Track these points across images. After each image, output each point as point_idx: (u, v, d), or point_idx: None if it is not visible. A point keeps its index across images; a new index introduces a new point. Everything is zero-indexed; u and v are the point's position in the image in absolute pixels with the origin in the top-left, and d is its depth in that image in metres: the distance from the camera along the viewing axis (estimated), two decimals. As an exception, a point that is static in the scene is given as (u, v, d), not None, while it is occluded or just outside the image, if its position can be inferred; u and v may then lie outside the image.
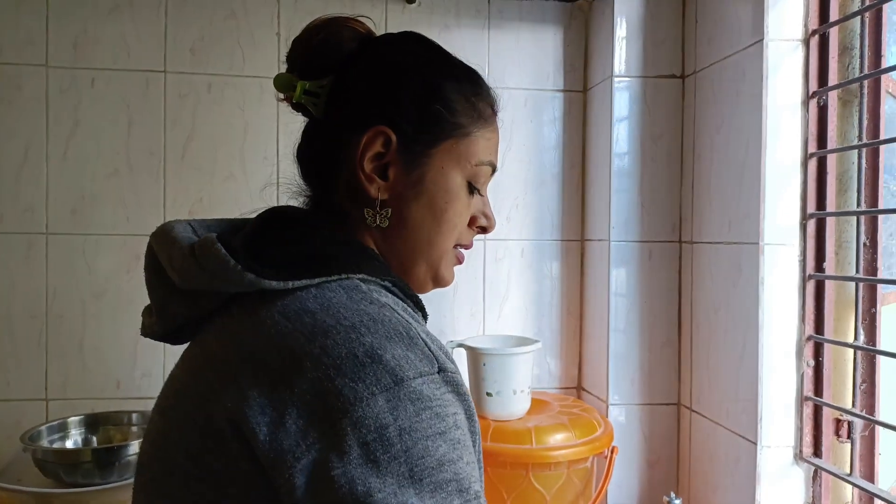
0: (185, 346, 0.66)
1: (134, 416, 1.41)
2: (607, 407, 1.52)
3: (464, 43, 1.64)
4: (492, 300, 1.68)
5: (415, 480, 0.48)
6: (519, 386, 1.36)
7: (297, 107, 0.67)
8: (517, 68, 1.67)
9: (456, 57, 0.69)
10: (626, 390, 1.53)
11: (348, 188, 0.64)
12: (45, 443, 1.30)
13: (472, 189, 0.67)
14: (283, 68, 0.68)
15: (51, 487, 1.20)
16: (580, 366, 1.71)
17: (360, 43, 0.66)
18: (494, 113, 0.69)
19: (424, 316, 0.67)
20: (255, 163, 1.57)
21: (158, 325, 0.65)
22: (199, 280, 0.57)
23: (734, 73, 1.34)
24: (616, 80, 1.53)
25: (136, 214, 1.56)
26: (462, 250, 0.71)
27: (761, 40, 1.25)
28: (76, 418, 1.38)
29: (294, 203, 0.70)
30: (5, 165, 1.51)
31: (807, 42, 1.25)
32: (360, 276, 0.58)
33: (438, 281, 0.69)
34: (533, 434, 1.29)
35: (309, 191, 0.69)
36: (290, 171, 0.71)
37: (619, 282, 1.53)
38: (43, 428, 1.32)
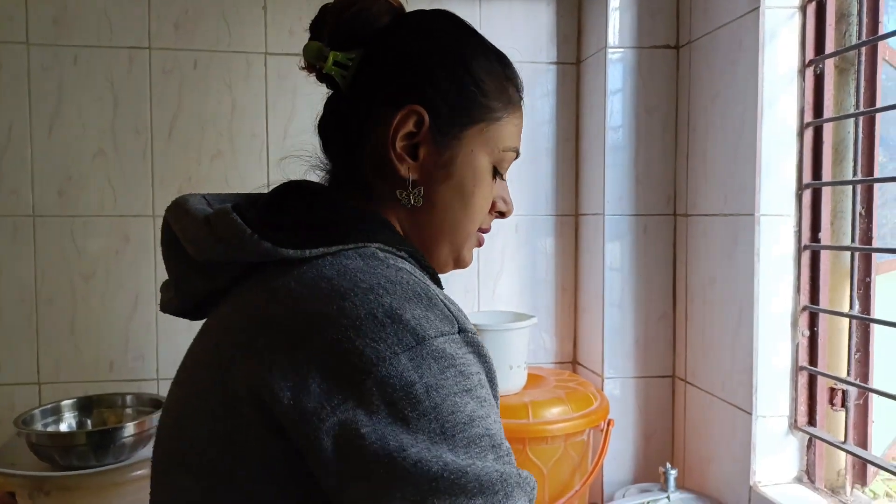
0: (187, 325, 0.65)
1: (128, 398, 1.40)
2: (602, 381, 1.53)
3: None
4: (486, 276, 1.67)
5: (447, 436, 0.47)
6: (515, 361, 1.36)
7: (323, 77, 0.66)
8: (509, 41, 1.64)
9: (486, 38, 0.68)
10: (622, 364, 1.53)
11: (375, 164, 0.63)
12: (38, 426, 1.29)
13: (496, 173, 0.66)
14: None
15: (46, 471, 1.19)
16: (575, 340, 1.71)
17: (392, 17, 0.65)
18: (521, 98, 0.69)
19: (440, 288, 0.66)
20: (244, 140, 1.54)
21: (177, 300, 0.64)
22: (214, 251, 0.57)
23: (730, 43, 1.32)
24: (610, 51, 1.51)
25: (123, 194, 1.53)
26: (482, 234, 0.70)
27: (757, 8, 1.23)
28: (69, 401, 1.37)
29: (311, 177, 0.69)
30: (-12, 146, 1.48)
31: (804, 9, 1.23)
32: (377, 244, 0.58)
33: (459, 262, 0.69)
34: (529, 408, 1.29)
35: (329, 165, 0.68)
36: (286, 145, 0.69)
37: (613, 256, 1.53)
38: (36, 411, 1.31)
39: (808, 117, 1.23)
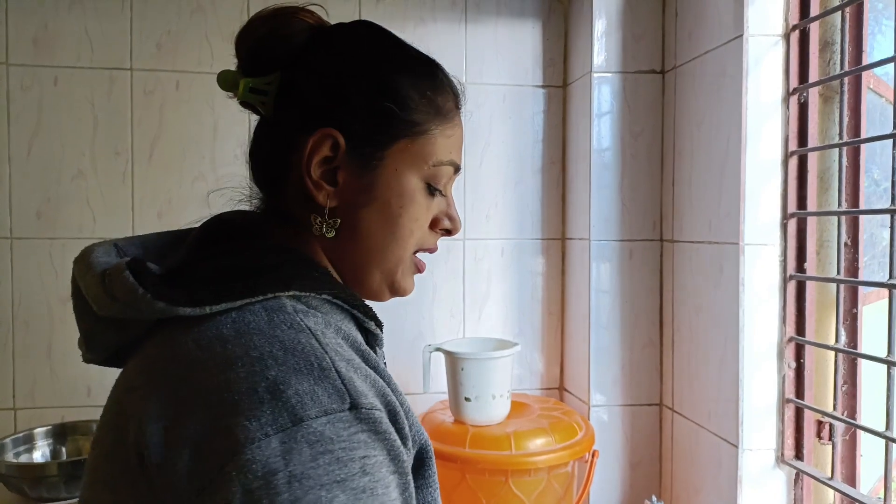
0: None
1: (103, 426, 1.37)
2: (589, 408, 1.50)
3: (440, 37, 1.60)
4: (472, 300, 1.65)
5: None
6: (498, 390, 1.33)
7: (246, 105, 0.63)
8: (495, 63, 1.63)
9: (412, 47, 0.64)
10: (608, 391, 1.51)
11: (298, 193, 0.60)
12: (10, 455, 1.26)
13: (433, 190, 0.62)
14: None
15: (15, 503, 1.16)
16: (562, 366, 1.69)
17: (309, 35, 0.61)
18: (457, 107, 0.64)
19: (378, 324, 0.63)
20: (226, 163, 1.53)
21: (90, 354, 0.61)
22: (112, 309, 0.53)
23: (714, 69, 1.31)
24: (595, 75, 1.50)
25: (102, 217, 1.51)
26: (423, 256, 0.66)
27: (741, 35, 1.22)
28: (43, 429, 1.34)
29: (247, 206, 0.66)
30: (-35, 168, 1.46)
31: (787, 37, 1.22)
32: (291, 292, 0.54)
33: (396, 290, 0.65)
34: (512, 440, 1.27)
35: (261, 194, 0.65)
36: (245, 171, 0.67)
37: (600, 281, 1.51)
38: (8, 440, 1.28)
39: (793, 146, 1.22)
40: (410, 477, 0.51)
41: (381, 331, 0.63)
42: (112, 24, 1.50)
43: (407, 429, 0.53)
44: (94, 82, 1.50)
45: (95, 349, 0.60)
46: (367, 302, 0.63)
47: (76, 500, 1.17)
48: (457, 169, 0.65)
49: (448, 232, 0.66)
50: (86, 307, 0.57)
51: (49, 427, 1.34)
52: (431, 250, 0.66)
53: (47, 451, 1.33)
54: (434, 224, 0.64)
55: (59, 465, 1.20)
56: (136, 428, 0.49)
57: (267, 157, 0.63)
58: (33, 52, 1.48)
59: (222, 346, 0.49)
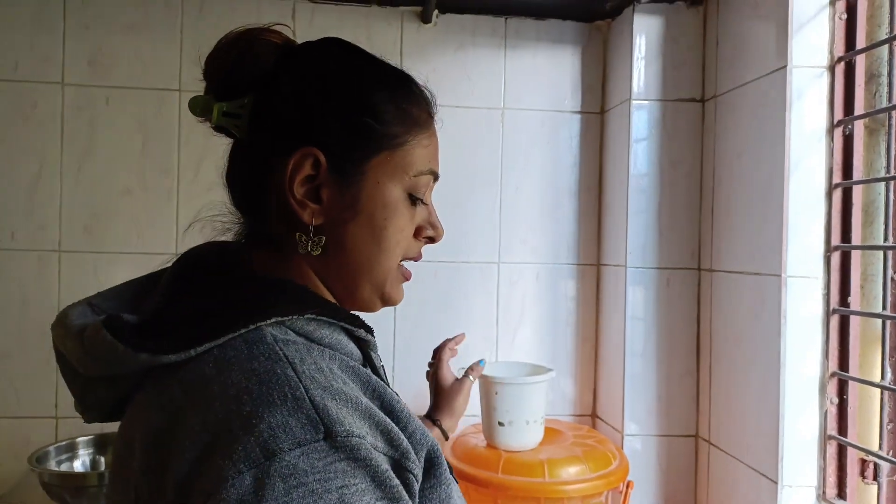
0: None
1: (142, 438, 1.40)
2: (622, 437, 1.49)
3: (479, 63, 1.62)
4: (505, 324, 1.65)
5: None
6: (532, 416, 1.33)
7: (220, 129, 0.64)
8: (534, 89, 1.65)
9: (384, 60, 0.65)
10: (643, 420, 1.49)
11: (281, 214, 0.60)
12: (53, 463, 1.29)
13: (415, 200, 0.63)
14: None
15: (57, 511, 1.19)
16: (595, 393, 1.68)
17: (278, 56, 0.62)
18: (431, 116, 0.65)
19: (368, 330, 0.63)
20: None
21: (88, 414, 0.61)
22: (96, 368, 0.54)
23: (756, 99, 1.31)
24: (634, 102, 1.51)
25: (148, 233, 1.55)
26: (409, 265, 0.67)
27: (785, 66, 1.22)
28: (85, 438, 1.37)
29: (229, 235, 0.67)
30: (20, 182, 1.51)
31: (832, 69, 1.22)
32: (273, 319, 0.54)
33: (387, 300, 0.65)
34: (546, 467, 1.26)
35: (241, 218, 0.65)
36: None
37: (636, 308, 1.50)
38: (52, 448, 1.31)
39: (837, 178, 1.21)
40: (406, 499, 0.50)
41: (373, 335, 0.64)
42: (163, 46, 1.55)
43: (405, 443, 0.53)
44: (144, 102, 1.55)
45: (91, 409, 0.60)
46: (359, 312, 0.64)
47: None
48: (436, 177, 0.65)
49: (431, 239, 0.67)
50: (73, 371, 0.57)
51: (91, 437, 1.37)
52: (416, 258, 0.67)
53: (87, 460, 1.36)
54: (418, 233, 0.65)
55: (98, 475, 1.22)
56: (136, 481, 0.50)
57: (246, 180, 0.64)
58: (88, 73, 1.53)
59: (204, 386, 0.50)
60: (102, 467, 1.35)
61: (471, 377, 1.15)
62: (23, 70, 1.51)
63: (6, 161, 1.51)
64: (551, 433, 1.43)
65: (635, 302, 1.50)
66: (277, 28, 0.63)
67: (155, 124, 1.55)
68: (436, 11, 1.59)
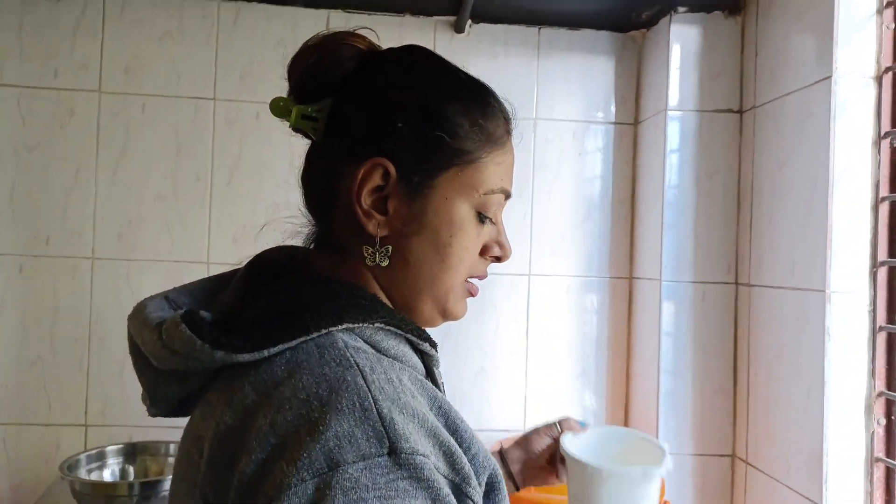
0: None
1: (171, 446, 1.40)
2: (656, 454, 1.45)
3: (512, 73, 1.61)
4: (535, 337, 1.63)
5: None
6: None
7: (298, 130, 0.63)
8: (566, 99, 1.63)
9: (464, 72, 0.64)
10: (677, 438, 1.46)
11: (347, 221, 0.60)
12: (83, 471, 1.29)
13: (483, 218, 0.62)
14: None
15: (86, 519, 1.19)
16: (626, 409, 1.65)
17: (359, 61, 0.62)
18: (508, 133, 0.64)
19: (433, 345, 0.62)
20: (300, 190, 1.56)
21: (155, 408, 0.61)
22: (172, 362, 0.54)
23: (798, 110, 1.28)
24: (670, 113, 1.49)
25: (180, 240, 1.56)
26: (476, 281, 0.65)
27: (830, 77, 1.19)
28: (114, 447, 1.37)
29: (298, 239, 0.66)
30: (56, 188, 1.53)
31: (879, 79, 1.18)
32: (344, 325, 0.54)
33: (448, 315, 0.64)
34: (579, 484, 1.23)
35: (311, 221, 0.65)
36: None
37: (669, 323, 1.47)
38: (82, 456, 1.31)
39: (884, 191, 1.17)
40: None
41: (437, 350, 0.63)
42: (199, 55, 1.56)
43: (468, 467, 0.51)
44: (179, 110, 1.56)
45: (159, 403, 0.60)
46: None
47: (144, 519, 1.19)
48: (507, 196, 0.64)
49: (498, 259, 0.66)
50: (146, 363, 0.57)
51: (121, 446, 1.38)
52: (481, 277, 0.65)
53: (117, 469, 1.36)
54: (484, 251, 0.64)
55: (129, 485, 1.22)
56: (202, 477, 0.50)
57: (316, 184, 0.64)
58: (124, 81, 1.55)
59: (275, 388, 0.50)
60: (131, 476, 1.36)
61: (559, 428, 0.91)
62: (62, 78, 1.53)
63: (43, 167, 1.53)
64: (583, 449, 1.39)
65: (669, 315, 1.47)
66: (363, 33, 0.63)
67: (189, 132, 1.56)
68: (469, 21, 1.59)
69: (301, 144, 0.66)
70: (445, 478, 0.49)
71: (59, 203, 1.53)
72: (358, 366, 0.51)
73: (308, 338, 0.52)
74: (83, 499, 1.19)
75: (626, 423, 1.64)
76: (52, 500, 1.25)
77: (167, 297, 0.61)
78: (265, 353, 0.51)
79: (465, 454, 0.52)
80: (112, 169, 1.55)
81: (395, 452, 0.46)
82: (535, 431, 0.92)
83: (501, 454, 0.91)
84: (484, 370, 1.60)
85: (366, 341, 0.56)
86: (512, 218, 1.62)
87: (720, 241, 1.48)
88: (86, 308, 1.53)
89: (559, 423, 0.92)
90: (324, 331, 0.53)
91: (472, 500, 0.51)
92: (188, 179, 1.56)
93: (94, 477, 1.30)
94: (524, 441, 0.91)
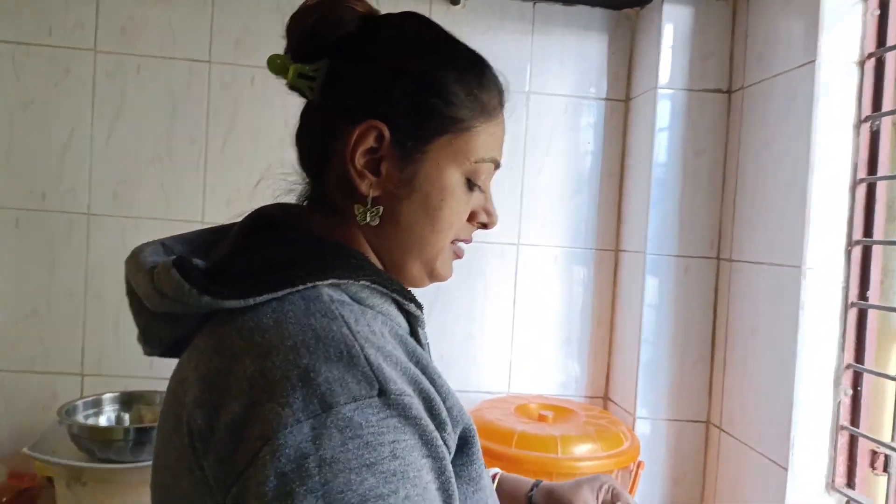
0: None
1: (165, 397, 1.43)
2: (634, 420, 1.51)
3: (506, 46, 1.63)
4: (522, 305, 1.67)
5: None
6: None
7: (294, 88, 0.63)
8: (559, 74, 1.66)
9: (462, 42, 0.65)
10: (655, 404, 1.52)
11: (340, 181, 0.61)
12: (80, 417, 1.32)
13: (473, 186, 0.64)
14: None
15: (84, 461, 1.22)
16: (608, 376, 1.71)
17: (358, 24, 0.62)
18: (501, 105, 0.65)
19: (418, 306, 0.65)
20: (293, 155, 1.58)
21: (148, 348, 0.64)
22: (163, 305, 0.56)
23: (784, 92, 1.31)
24: (660, 91, 1.52)
25: (175, 200, 1.58)
26: (465, 248, 0.68)
27: (814, 61, 1.22)
28: (110, 395, 1.41)
29: (292, 197, 0.68)
30: (51, 145, 1.54)
31: (861, 65, 1.22)
32: (330, 280, 0.56)
33: (435, 276, 0.66)
34: (559, 443, 1.29)
35: (305, 179, 0.67)
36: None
37: (652, 294, 1.52)
38: (79, 403, 1.35)
39: (862, 173, 1.22)
40: (447, 462, 0.52)
41: (422, 311, 0.65)
42: (195, 18, 1.57)
43: (444, 414, 0.54)
44: (174, 72, 1.57)
45: (153, 343, 0.63)
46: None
47: (140, 464, 1.23)
48: (497, 165, 0.66)
49: (484, 225, 0.68)
50: (140, 304, 0.59)
51: (116, 394, 1.41)
52: (467, 241, 0.68)
53: (113, 416, 1.40)
54: (471, 217, 0.66)
55: (125, 430, 1.26)
56: (188, 415, 0.52)
57: (311, 143, 0.64)
58: (120, 41, 1.55)
59: (261, 336, 0.51)
60: (127, 423, 1.39)
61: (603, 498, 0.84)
62: (57, 36, 1.53)
63: (38, 124, 1.54)
64: (564, 412, 1.46)
65: (653, 287, 1.52)
66: None
67: (184, 94, 1.57)
68: (466, -8, 1.60)
69: (296, 106, 0.66)
70: None
71: (54, 160, 1.54)
72: (343, 317, 0.53)
73: (294, 290, 0.54)
74: (81, 442, 1.23)
75: (606, 390, 1.70)
76: (51, 444, 1.29)
77: (163, 243, 0.63)
78: (251, 301, 0.53)
79: (442, 404, 0.55)
80: (107, 128, 1.56)
81: (384, 394, 0.48)
82: (579, 485, 0.85)
83: (530, 498, 0.87)
84: (471, 335, 1.65)
85: (351, 297, 0.58)
86: (503, 188, 1.65)
87: (704, 218, 1.53)
88: (81, 263, 1.55)
89: (612, 490, 0.84)
90: (310, 284, 0.55)
91: (447, 445, 0.54)
92: (183, 141, 1.58)
93: (91, 422, 1.34)
94: (565, 487, 0.85)
